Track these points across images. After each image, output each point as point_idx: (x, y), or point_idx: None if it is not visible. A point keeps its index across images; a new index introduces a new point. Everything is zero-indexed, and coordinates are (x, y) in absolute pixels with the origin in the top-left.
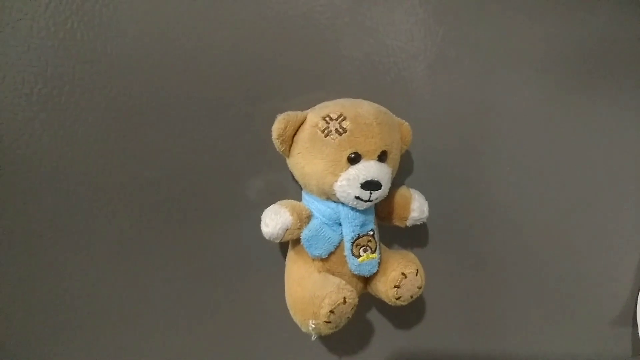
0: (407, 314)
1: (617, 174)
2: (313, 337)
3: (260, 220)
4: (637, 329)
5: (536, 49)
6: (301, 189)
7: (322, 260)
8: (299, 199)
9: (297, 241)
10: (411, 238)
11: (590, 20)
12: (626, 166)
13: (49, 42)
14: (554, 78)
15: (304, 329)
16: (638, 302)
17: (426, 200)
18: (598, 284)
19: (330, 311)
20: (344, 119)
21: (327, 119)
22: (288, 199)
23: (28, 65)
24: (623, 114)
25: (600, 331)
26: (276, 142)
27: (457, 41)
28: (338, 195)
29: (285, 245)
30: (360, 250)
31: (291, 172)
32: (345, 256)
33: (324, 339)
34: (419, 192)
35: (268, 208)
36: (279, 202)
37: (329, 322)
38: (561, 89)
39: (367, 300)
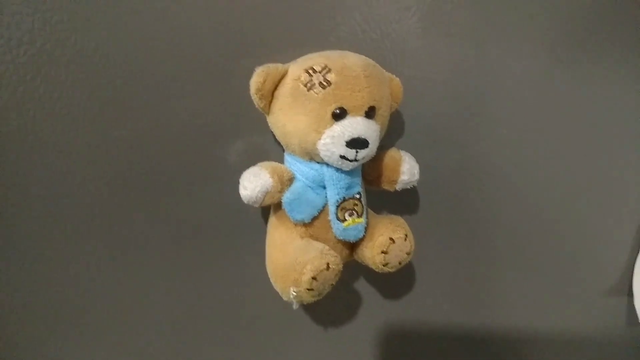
0: (396, 283)
1: (615, 140)
2: (295, 306)
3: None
4: (633, 299)
5: (541, 10)
6: (283, 150)
7: (304, 225)
8: (281, 161)
9: (278, 206)
10: (400, 203)
11: None
12: (626, 132)
13: None
14: (558, 38)
15: (285, 298)
16: (635, 272)
17: (417, 162)
18: (594, 254)
19: (312, 277)
20: (329, 71)
21: (310, 71)
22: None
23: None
24: (626, 77)
25: (596, 302)
26: (255, 98)
27: None
28: (322, 154)
29: (267, 210)
30: (346, 214)
31: (272, 132)
32: (329, 221)
33: (308, 309)
34: (409, 154)
35: (247, 170)
36: (259, 164)
37: (311, 290)
38: (562, 49)
39: (354, 268)
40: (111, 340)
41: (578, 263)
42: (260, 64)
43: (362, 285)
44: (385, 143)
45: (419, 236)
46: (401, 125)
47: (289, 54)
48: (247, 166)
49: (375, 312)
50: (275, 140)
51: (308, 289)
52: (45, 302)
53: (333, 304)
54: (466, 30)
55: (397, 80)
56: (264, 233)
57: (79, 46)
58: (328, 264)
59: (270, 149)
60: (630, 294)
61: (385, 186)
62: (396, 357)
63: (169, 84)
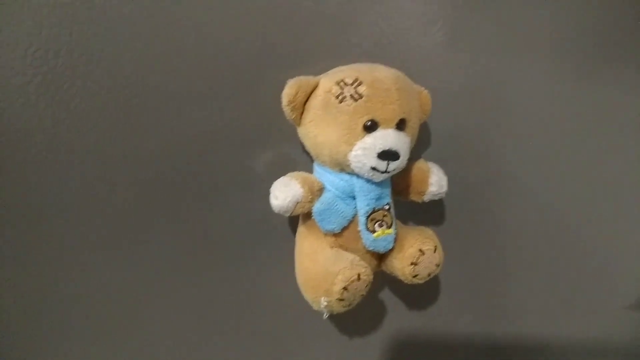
0: (421, 294)
1: (633, 155)
2: (325, 316)
3: (269, 194)
4: None
5: (563, 21)
6: (312, 160)
7: (334, 235)
8: (310, 172)
9: (307, 215)
10: (428, 214)
11: None
12: None
13: (43, 0)
14: (580, 53)
15: (315, 307)
16: None
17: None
18: (616, 266)
19: (343, 288)
20: (360, 83)
21: (342, 84)
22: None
23: (22, 26)
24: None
25: (617, 314)
26: (286, 110)
27: (479, 7)
28: (353, 166)
29: (295, 220)
30: (376, 225)
31: (302, 143)
32: (359, 231)
33: (335, 318)
34: (437, 165)
35: (277, 180)
36: (289, 174)
37: (342, 300)
38: (586, 62)
39: (380, 279)
40: (132, 346)
41: (600, 276)
42: (290, 75)
43: (386, 295)
44: (413, 154)
45: (445, 247)
46: (427, 137)
47: (317, 65)
48: (276, 176)
49: (400, 321)
50: (304, 150)
51: (339, 299)
52: (69, 305)
53: (358, 313)
54: (491, 44)
55: (426, 92)
56: (291, 242)
57: (113, 57)
58: (359, 275)
59: (298, 159)
60: None
61: (414, 197)
62: None
63: (200, 95)
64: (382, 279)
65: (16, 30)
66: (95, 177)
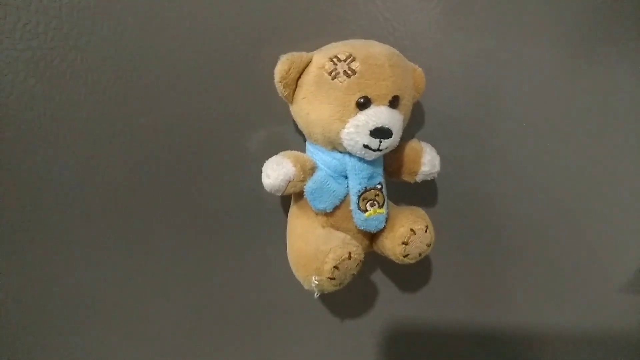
0: (412, 276)
1: (630, 140)
2: (316, 295)
3: (261, 173)
4: None
5: (559, 2)
6: (305, 140)
7: (326, 214)
8: (302, 151)
9: (299, 195)
10: (420, 195)
11: None
12: None
13: None
14: (575, 33)
15: (306, 286)
16: None
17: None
18: (609, 250)
19: (334, 266)
20: (353, 59)
21: (335, 59)
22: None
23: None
24: None
25: (611, 299)
26: (279, 86)
27: None
28: (345, 143)
29: (287, 200)
30: (367, 204)
31: (294, 122)
32: (350, 211)
33: (326, 299)
34: (430, 145)
35: (270, 159)
36: (281, 152)
37: (333, 279)
38: (581, 42)
39: (372, 261)
40: (128, 328)
41: (594, 260)
42: (283, 52)
43: (378, 277)
44: (406, 134)
45: (437, 228)
46: (420, 117)
47: (311, 42)
48: (268, 155)
49: (392, 303)
50: (297, 129)
51: (330, 278)
52: (66, 293)
53: (350, 295)
54: (486, 24)
55: (420, 70)
56: (283, 221)
57: (105, 32)
58: (350, 253)
59: (291, 138)
60: None
61: (406, 177)
62: (411, 348)
63: (193, 74)
64: (374, 261)
65: (4, 3)
66: (86, 155)
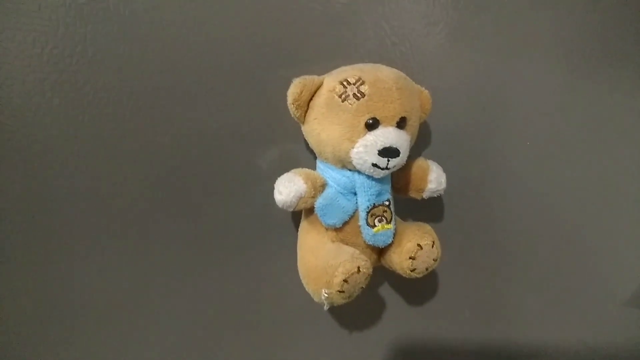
0: (419, 290)
1: (631, 155)
2: (325, 307)
3: (273, 189)
4: None
5: (562, 20)
6: (315, 157)
7: (335, 230)
8: (313, 168)
9: (310, 211)
10: (427, 212)
11: None
12: None
13: (60, 0)
14: (579, 52)
15: (316, 299)
16: None
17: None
18: (612, 265)
19: (343, 280)
20: (362, 83)
21: (345, 83)
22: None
23: (39, 25)
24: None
25: (613, 314)
26: (291, 108)
27: (480, 9)
28: (354, 162)
29: (298, 215)
30: (376, 220)
31: (305, 140)
32: (359, 226)
33: (335, 312)
34: (436, 163)
35: (282, 176)
36: (293, 170)
37: (342, 292)
38: (586, 64)
39: (380, 275)
40: (134, 333)
41: (597, 275)
42: (295, 74)
43: (386, 291)
44: (413, 153)
45: (443, 244)
46: (427, 135)
47: (322, 65)
48: (280, 173)
49: (399, 317)
50: (307, 148)
51: (339, 291)
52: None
53: (358, 308)
54: (491, 45)
55: (426, 92)
56: (294, 236)
57: (125, 57)
58: (359, 267)
59: (302, 156)
60: None
61: (413, 194)
62: None
63: (208, 94)
64: (382, 275)
65: (33, 29)
66: (105, 172)
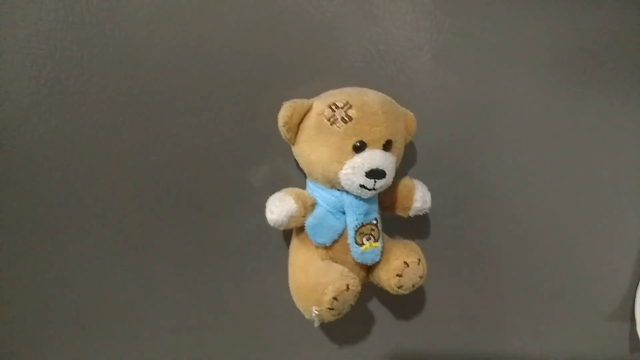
0: (408, 305)
1: (617, 169)
2: (316, 324)
3: (264, 208)
4: (635, 325)
5: (542, 43)
6: (305, 177)
7: (325, 248)
8: (303, 187)
9: (301, 229)
10: (413, 229)
11: (595, 14)
12: (627, 162)
13: (57, 25)
14: (559, 72)
15: (307, 316)
16: (636, 298)
17: (429, 191)
18: (596, 279)
19: (333, 298)
20: (350, 107)
21: (333, 107)
22: (292, 187)
23: (37, 48)
24: (626, 110)
25: (598, 327)
26: (282, 130)
27: (463, 32)
28: (343, 183)
29: (289, 233)
30: (364, 238)
31: (296, 160)
32: (348, 244)
33: (326, 327)
34: (422, 182)
35: (273, 195)
36: (283, 189)
37: (332, 309)
38: (565, 84)
39: (369, 290)
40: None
41: (581, 289)
42: (285, 95)
43: (375, 306)
44: (399, 172)
45: (429, 260)
46: (414, 156)
47: (311, 85)
48: (271, 191)
49: (388, 331)
50: (298, 167)
51: (329, 308)
52: (72, 313)
53: (349, 323)
54: (474, 67)
55: (411, 114)
56: (285, 254)
57: (121, 78)
58: (348, 285)
59: (293, 174)
60: (632, 319)
61: (400, 212)
62: None
63: (202, 112)
64: (371, 290)
65: (31, 53)
66: (98, 191)
